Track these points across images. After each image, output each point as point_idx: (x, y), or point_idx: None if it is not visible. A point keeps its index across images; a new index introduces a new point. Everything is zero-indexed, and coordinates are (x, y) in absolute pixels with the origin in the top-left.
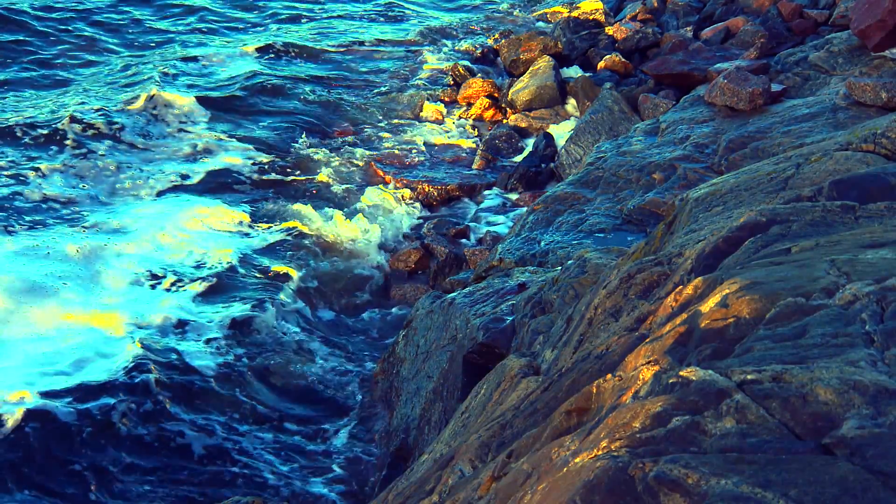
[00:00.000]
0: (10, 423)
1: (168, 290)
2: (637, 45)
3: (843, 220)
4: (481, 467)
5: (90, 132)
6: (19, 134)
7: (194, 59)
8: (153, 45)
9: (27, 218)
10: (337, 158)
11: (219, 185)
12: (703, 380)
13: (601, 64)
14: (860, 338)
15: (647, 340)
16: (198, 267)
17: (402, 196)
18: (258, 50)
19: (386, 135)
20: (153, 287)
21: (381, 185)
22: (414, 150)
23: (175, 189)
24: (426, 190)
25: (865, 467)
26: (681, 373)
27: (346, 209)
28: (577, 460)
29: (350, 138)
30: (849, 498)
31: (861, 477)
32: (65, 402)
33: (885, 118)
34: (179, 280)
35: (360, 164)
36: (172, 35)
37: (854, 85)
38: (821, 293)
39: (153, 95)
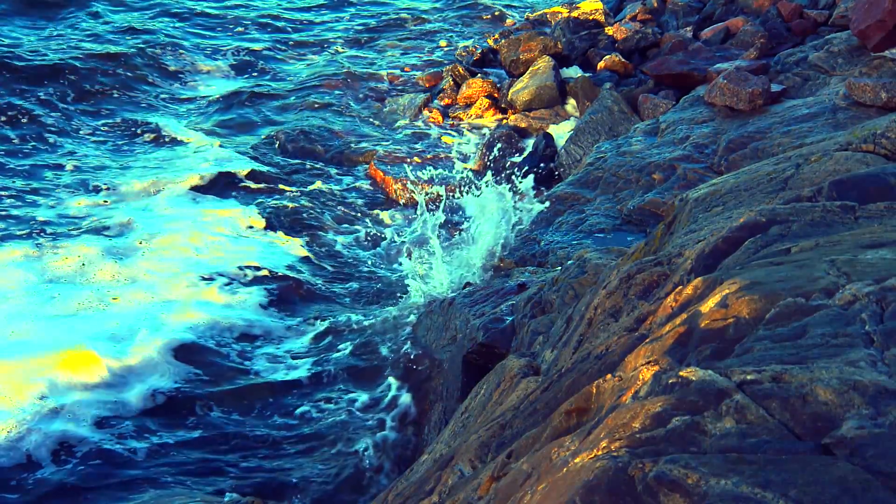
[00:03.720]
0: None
1: (201, 292)
2: (637, 45)
3: (842, 221)
4: (481, 467)
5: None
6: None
7: (192, 70)
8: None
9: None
10: (338, 160)
11: (224, 191)
12: (702, 380)
13: (601, 64)
14: (860, 338)
15: (647, 341)
16: (222, 272)
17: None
18: (254, 52)
19: (386, 136)
20: (185, 288)
21: (381, 187)
22: (414, 151)
23: (181, 197)
24: (426, 190)
25: (865, 467)
26: (680, 373)
27: (348, 211)
28: (576, 460)
29: (350, 139)
30: (848, 498)
31: (861, 477)
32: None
33: (885, 118)
34: (207, 283)
35: (361, 165)
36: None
37: (854, 85)
38: (821, 293)
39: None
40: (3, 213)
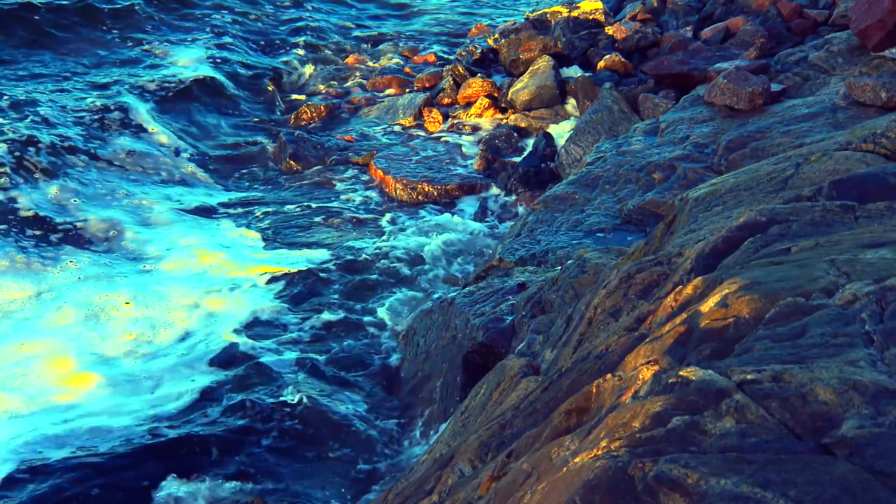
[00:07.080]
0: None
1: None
2: (637, 44)
3: (842, 220)
4: (481, 467)
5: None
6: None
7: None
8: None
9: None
10: (338, 161)
11: (225, 194)
12: (702, 380)
13: (601, 64)
14: (860, 337)
15: (647, 340)
16: (223, 275)
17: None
18: (254, 56)
19: (386, 136)
20: (187, 292)
21: (382, 186)
22: (414, 151)
23: (181, 201)
24: (426, 190)
25: (865, 467)
26: (680, 372)
27: (348, 211)
28: (576, 460)
29: (350, 140)
30: (848, 498)
31: (861, 477)
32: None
33: (885, 118)
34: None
35: (362, 165)
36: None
37: (854, 85)
38: (820, 293)
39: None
40: None
